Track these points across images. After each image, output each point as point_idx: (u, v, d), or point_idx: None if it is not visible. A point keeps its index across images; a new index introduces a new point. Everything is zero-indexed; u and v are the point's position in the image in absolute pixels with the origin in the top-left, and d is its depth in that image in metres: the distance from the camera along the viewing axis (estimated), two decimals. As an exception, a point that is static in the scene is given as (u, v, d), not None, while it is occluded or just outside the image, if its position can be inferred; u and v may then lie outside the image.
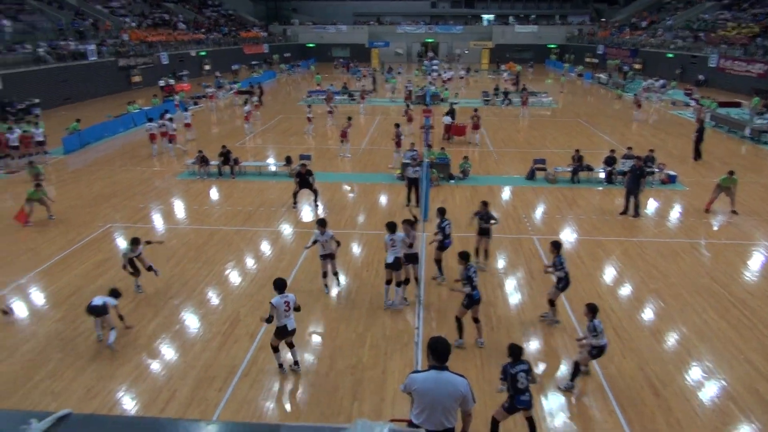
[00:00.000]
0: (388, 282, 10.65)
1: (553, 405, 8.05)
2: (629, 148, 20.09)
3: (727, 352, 9.30)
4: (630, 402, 8.06)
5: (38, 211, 15.37)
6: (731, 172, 15.90)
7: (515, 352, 6.98)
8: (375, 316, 10.44)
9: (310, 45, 76.05)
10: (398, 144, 21.53)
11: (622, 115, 33.07)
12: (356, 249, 13.71)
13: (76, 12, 45.01)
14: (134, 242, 11.01)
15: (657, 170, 18.96)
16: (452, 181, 19.22)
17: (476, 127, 24.92)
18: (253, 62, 60.68)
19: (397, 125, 22.33)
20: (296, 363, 8.75)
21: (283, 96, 42.68)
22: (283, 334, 8.44)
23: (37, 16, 40.22)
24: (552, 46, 74.25)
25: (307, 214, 16.25)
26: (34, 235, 14.52)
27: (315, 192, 16.49)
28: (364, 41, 75.18)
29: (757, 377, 8.63)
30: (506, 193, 18.18)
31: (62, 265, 12.56)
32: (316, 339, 9.77)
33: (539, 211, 16.44)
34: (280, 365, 8.68)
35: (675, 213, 16.38)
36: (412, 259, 10.89)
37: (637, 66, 53.31)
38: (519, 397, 6.86)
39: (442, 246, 11.68)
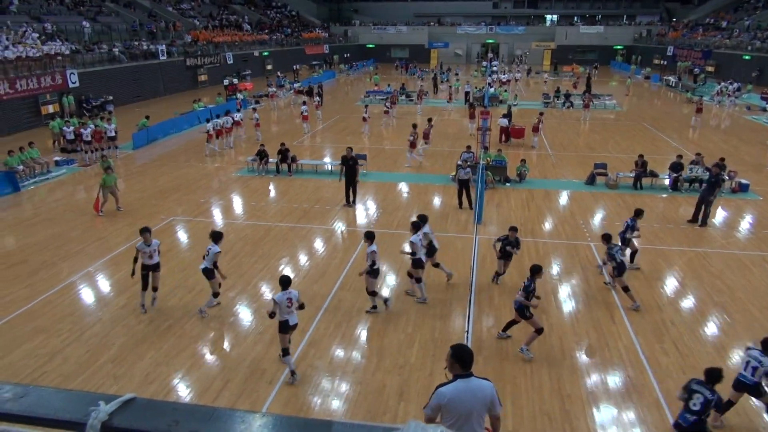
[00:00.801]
0: (419, 280, 10.98)
1: (604, 416, 7.79)
2: (698, 154, 19.17)
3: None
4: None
5: (109, 202, 16.22)
6: None
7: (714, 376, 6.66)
8: (424, 318, 10.42)
9: (370, 45, 76.69)
10: (413, 145, 21.35)
11: (691, 119, 31.55)
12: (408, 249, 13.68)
13: (149, 13, 47.20)
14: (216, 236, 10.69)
15: (727, 178, 17.99)
16: (508, 184, 18.91)
17: (536, 129, 24.43)
18: (314, 62, 61.82)
19: (414, 125, 22.51)
20: (293, 373, 8.53)
21: (341, 96, 43.24)
22: (285, 329, 8.50)
23: (113, 17, 42.44)
24: (618, 47, 71.76)
25: (361, 212, 16.40)
26: (105, 224, 15.33)
27: (354, 189, 16.52)
28: (423, 42, 75.11)
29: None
30: (564, 198, 17.73)
31: (128, 255, 13.16)
32: (364, 337, 9.85)
33: (598, 218, 15.95)
34: (293, 372, 8.50)
35: (745, 223, 15.51)
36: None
37: (709, 68, 50.77)
38: (683, 414, 6.63)
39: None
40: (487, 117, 20.44)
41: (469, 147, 20.08)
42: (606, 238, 11.19)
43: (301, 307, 8.74)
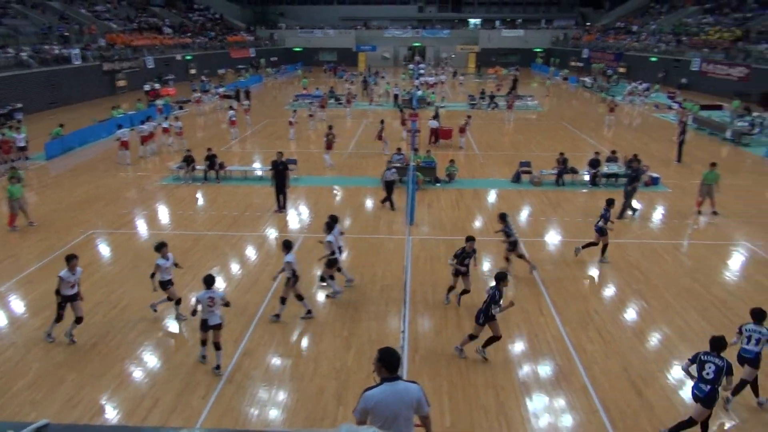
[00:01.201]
0: (332, 277, 11.24)
1: (536, 405, 8.08)
2: (613, 152, 20.28)
3: (708, 352, 9.38)
4: (613, 402, 8.12)
5: (20, 217, 15.17)
6: (713, 164, 16.17)
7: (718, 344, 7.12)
8: (360, 320, 10.43)
9: (297, 49, 76.00)
10: (329, 146, 21.49)
11: (605, 119, 33.35)
12: (343, 253, 13.65)
13: (60, 16, 44.62)
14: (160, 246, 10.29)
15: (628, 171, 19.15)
16: (438, 185, 19.27)
17: (462, 130, 25.04)
18: (240, 66, 60.54)
19: (330, 127, 23.09)
20: (218, 367, 8.76)
21: (269, 100, 42.59)
22: (204, 327, 8.70)
23: (20, 20, 39.81)
24: (538, 50, 74.85)
25: (293, 218, 16.21)
26: (17, 240, 14.34)
27: (285, 194, 16.37)
28: (351, 45, 75.30)
29: (738, 376, 8.70)
30: (492, 196, 18.27)
31: (43, 273, 12.39)
32: (300, 344, 9.74)
33: (524, 214, 16.54)
34: (203, 356, 9.01)
35: (658, 215, 16.56)
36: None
37: (621, 70, 53.87)
38: (698, 385, 7.05)
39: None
40: (416, 119, 20.74)
41: (399, 149, 20.31)
42: (502, 216, 12.25)
43: (227, 305, 8.85)
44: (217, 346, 8.76)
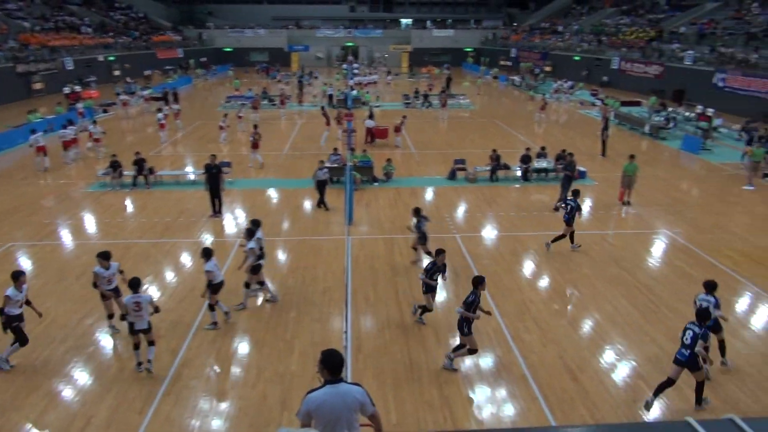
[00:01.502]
0: (262, 283, 11.02)
1: (479, 397, 8.28)
2: (543, 148, 21.06)
3: (635, 335, 9.94)
4: (551, 389, 8.44)
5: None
6: (632, 156, 17.09)
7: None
8: (302, 323, 10.33)
9: (228, 49, 74.23)
10: (255, 146, 21.35)
11: (535, 115, 34.59)
12: (281, 256, 13.50)
13: (-34, 14, 41.57)
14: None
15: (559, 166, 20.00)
16: (376, 184, 19.36)
17: (398, 129, 25.27)
18: (168, 67, 58.46)
19: (255, 126, 22.81)
20: (149, 361, 8.79)
21: (200, 102, 41.38)
22: (132, 331, 8.65)
23: None
24: (468, 49, 76.57)
25: (229, 222, 15.83)
26: (-77, 258, 13.24)
27: (220, 199, 15.99)
28: (283, 45, 74.32)
29: (663, 356, 9.27)
30: (429, 194, 18.54)
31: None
32: (242, 350, 9.53)
33: (461, 210, 16.89)
34: (139, 363, 8.85)
35: (585, 207, 17.31)
36: None
37: (547, 68, 55.97)
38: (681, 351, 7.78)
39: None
40: (351, 119, 20.74)
41: (336, 149, 20.25)
42: (416, 211, 12.56)
43: (156, 310, 8.75)
44: (151, 343, 8.83)
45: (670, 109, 31.81)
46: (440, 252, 10.02)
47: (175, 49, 65.05)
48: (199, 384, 8.52)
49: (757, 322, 10.59)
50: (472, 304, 8.53)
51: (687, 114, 30.04)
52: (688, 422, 1.46)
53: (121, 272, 9.97)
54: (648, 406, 7.88)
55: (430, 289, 10.06)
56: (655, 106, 32.72)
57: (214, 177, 15.68)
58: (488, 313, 9.25)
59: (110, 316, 9.95)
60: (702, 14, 45.16)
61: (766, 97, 30.33)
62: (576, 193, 13.72)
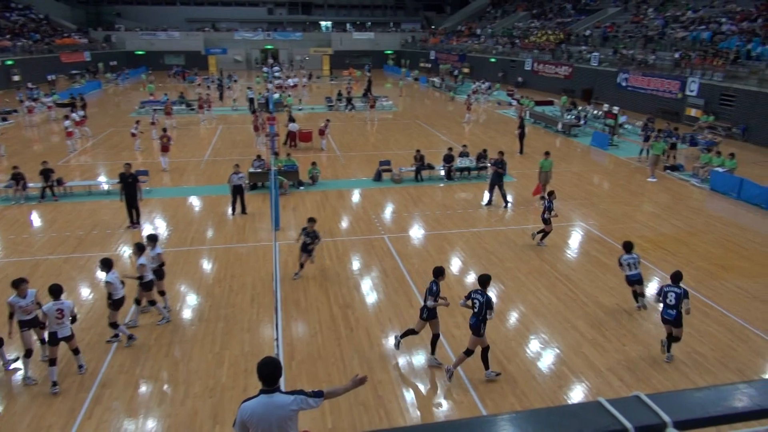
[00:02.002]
0: (153, 302, 10.32)
1: (413, 394, 8.38)
2: (464, 146, 21.67)
3: (557, 324, 10.43)
4: (481, 380, 8.68)
5: None
6: (547, 153, 17.94)
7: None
8: (231, 333, 10.05)
9: (140, 52, 70.95)
10: (165, 149, 21.13)
11: (456, 115, 35.54)
12: (206, 266, 13.07)
13: None
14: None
15: (489, 164, 20.66)
16: (302, 188, 19.17)
17: (322, 132, 25.16)
18: (74, 71, 55.10)
19: (165, 129, 22.56)
20: (80, 366, 8.72)
21: (112, 108, 39.31)
22: (54, 341, 8.25)
23: None
24: (389, 52, 77.45)
25: (149, 232, 15.12)
26: None
27: (137, 209, 15.30)
28: (200, 48, 72.03)
29: (583, 341, 9.79)
30: (356, 196, 18.58)
31: None
32: (168, 365, 9.13)
33: (388, 211, 17.04)
34: (54, 383, 8.33)
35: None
36: None
37: (465, 70, 57.62)
38: (666, 311, 9.00)
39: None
40: (274, 123, 20.43)
41: (259, 155, 19.87)
42: (311, 219, 12.11)
43: (74, 319, 8.48)
44: (75, 352, 8.62)
45: (580, 107, 33.64)
46: (439, 273, 9.09)
47: (82, 53, 61.40)
48: (122, 405, 8.08)
49: (665, 304, 11.38)
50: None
51: (595, 112, 31.88)
52: (600, 402, 1.54)
53: (38, 304, 8.78)
54: (667, 351, 9.21)
55: (434, 316, 9.04)
56: (567, 105, 34.49)
57: (130, 186, 14.95)
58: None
59: (28, 354, 8.81)
60: (605, 18, 48.11)
61: (664, 95, 32.75)
62: (551, 194, 14.17)
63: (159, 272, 10.54)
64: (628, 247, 10.75)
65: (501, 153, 17.81)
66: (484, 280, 8.70)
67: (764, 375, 9.07)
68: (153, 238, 10.64)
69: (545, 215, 13.86)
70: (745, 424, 1.77)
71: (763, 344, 9.79)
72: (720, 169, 19.38)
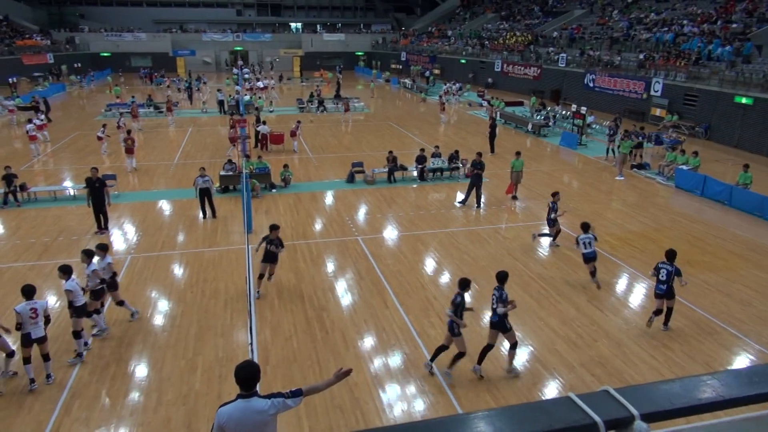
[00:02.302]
0: (98, 311, 10.04)
1: (390, 395, 8.39)
2: (436, 147, 21.81)
3: (531, 322, 10.57)
4: (457, 380, 8.75)
5: None
6: (518, 153, 18.17)
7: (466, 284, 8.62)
8: (204, 339, 9.92)
9: (105, 54, 69.41)
10: (130, 151, 21.25)
11: (428, 116, 35.75)
12: (177, 271, 12.87)
13: None
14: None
15: (461, 165, 20.85)
16: (274, 190, 19.03)
17: (293, 134, 25.03)
18: (36, 74, 53.63)
19: (129, 131, 22.63)
20: (48, 376, 8.56)
21: (77, 111, 38.40)
22: (27, 342, 8.22)
23: None
24: (360, 53, 77.43)
25: (118, 238, 14.84)
26: None
27: (105, 214, 15.00)
28: (167, 50, 70.87)
29: (556, 338, 9.95)
30: (329, 198, 18.53)
31: None
32: (139, 373, 8.96)
33: (362, 213, 17.04)
34: (32, 380, 8.39)
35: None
36: None
37: (436, 71, 57.98)
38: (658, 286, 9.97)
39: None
40: (244, 125, 20.24)
41: (230, 159, 19.66)
42: (274, 226, 11.42)
43: (48, 320, 8.50)
44: (46, 358, 8.48)
45: (549, 108, 34.18)
46: (465, 285, 8.66)
47: (44, 54, 59.74)
48: (93, 415, 7.90)
49: (634, 301, 11.67)
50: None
51: (564, 112, 32.45)
52: (570, 397, 1.58)
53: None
54: (664, 325, 10.25)
55: (456, 332, 8.58)
56: (536, 105, 35.00)
57: (97, 191, 14.64)
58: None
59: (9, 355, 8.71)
60: (571, 20, 48.99)
61: (630, 96, 33.50)
62: (555, 195, 14.23)
63: (113, 283, 10.24)
64: (585, 227, 11.80)
65: (479, 154, 17.97)
66: (502, 276, 8.89)
67: (729, 366, 9.35)
68: (103, 248, 10.24)
69: (551, 216, 14.04)
70: (712, 415, 1.83)
71: (727, 336, 10.10)
72: (684, 167, 19.92)
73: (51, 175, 21.23)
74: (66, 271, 9.06)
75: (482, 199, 17.55)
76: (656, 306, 10.18)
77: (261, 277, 11.52)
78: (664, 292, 9.93)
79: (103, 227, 14.99)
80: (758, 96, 24.86)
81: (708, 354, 9.52)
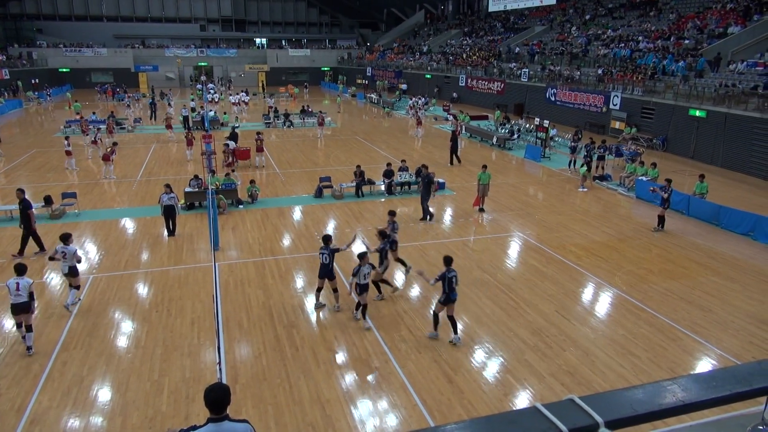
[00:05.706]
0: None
1: (362, 411, 8.34)
2: (403, 161, 21.96)
3: (501, 333, 10.67)
4: (429, 393, 8.75)
5: None
6: (484, 166, 18.43)
7: (449, 261, 10.09)
8: (171, 359, 9.68)
9: (64, 69, 67.88)
10: (106, 158, 22.12)
11: (394, 130, 36.01)
12: (142, 290, 12.57)
13: None
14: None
15: (417, 178, 21.03)
16: (241, 207, 18.83)
17: (260, 149, 24.86)
18: (-9, 90, 52.02)
19: (66, 138, 23.15)
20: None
21: (35, 128, 37.35)
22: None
23: None
24: (326, 68, 77.63)
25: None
26: None
27: (33, 231, 14.40)
28: (129, 65, 69.75)
29: (525, 349, 10.07)
30: (297, 213, 18.42)
31: None
32: (102, 397, 8.68)
33: (330, 227, 16.99)
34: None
35: (447, 216, 18.32)
36: None
37: (403, 86, 58.55)
38: (451, 295, 9.97)
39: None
40: (210, 141, 20.03)
41: (197, 175, 19.39)
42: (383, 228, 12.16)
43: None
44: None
45: (513, 121, 34.84)
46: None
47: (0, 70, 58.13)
48: (54, 442, 7.61)
49: (600, 309, 11.91)
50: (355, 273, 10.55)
51: (527, 126, 33.11)
52: (536, 407, 1.62)
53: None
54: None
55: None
56: (500, 119, 35.63)
57: (21, 213, 14.20)
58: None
59: None
60: (533, 36, 50.25)
61: (590, 109, 34.44)
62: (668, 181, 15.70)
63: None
64: (448, 261, 10.40)
65: (425, 167, 18.21)
66: (449, 260, 10.26)
67: (692, 371, 9.61)
68: (21, 269, 9.86)
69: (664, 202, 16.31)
70: (678, 419, 1.89)
71: (690, 342, 10.39)
72: (644, 178, 20.54)
73: (6, 194, 20.52)
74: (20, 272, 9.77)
75: (430, 211, 17.61)
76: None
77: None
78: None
79: (18, 253, 14.36)
80: (711, 109, 25.88)
81: (672, 360, 9.77)
